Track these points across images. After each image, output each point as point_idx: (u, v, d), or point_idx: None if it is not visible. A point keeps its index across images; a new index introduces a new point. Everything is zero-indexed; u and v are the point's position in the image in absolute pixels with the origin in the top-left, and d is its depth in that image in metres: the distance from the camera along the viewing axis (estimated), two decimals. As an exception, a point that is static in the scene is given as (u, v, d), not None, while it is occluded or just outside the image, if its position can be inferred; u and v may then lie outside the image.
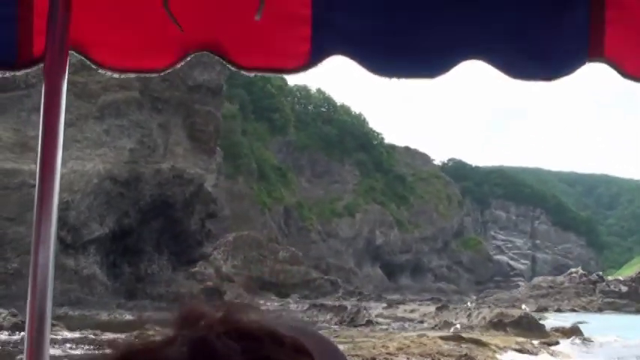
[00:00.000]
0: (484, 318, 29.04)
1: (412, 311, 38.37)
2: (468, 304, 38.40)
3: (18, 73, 1.86)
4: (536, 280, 67.03)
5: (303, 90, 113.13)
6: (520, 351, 17.40)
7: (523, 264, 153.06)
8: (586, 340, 24.97)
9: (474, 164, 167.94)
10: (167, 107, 43.54)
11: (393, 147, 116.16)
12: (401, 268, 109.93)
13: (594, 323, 36.75)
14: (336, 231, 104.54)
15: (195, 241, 45.38)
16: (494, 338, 19.10)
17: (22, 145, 39.88)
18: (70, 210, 39.50)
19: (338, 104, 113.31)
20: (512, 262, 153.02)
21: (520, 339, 20.27)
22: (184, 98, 44.16)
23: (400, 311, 40.28)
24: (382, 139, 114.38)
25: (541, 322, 30.23)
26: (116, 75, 1.96)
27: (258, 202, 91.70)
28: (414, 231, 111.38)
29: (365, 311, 30.21)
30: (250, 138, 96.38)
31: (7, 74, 1.86)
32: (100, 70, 1.91)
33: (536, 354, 18.07)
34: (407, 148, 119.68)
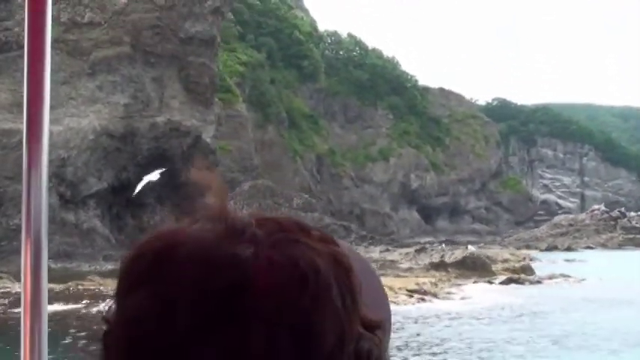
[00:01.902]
0: (456, 258, 29.11)
1: (407, 254, 38.55)
2: (443, 245, 38.22)
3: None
4: (558, 218, 65.76)
5: (334, 35, 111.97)
6: (415, 292, 17.47)
7: (572, 202, 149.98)
8: (522, 281, 24.75)
9: (519, 103, 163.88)
10: (160, 61, 43.97)
11: (427, 89, 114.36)
12: (438, 210, 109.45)
13: (588, 261, 36.18)
14: (370, 176, 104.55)
15: (197, 191, 46.19)
16: (395, 279, 19.19)
17: (19, 105, 40.95)
18: (67, 166, 40.79)
19: (369, 48, 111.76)
20: (560, 201, 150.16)
21: (423, 280, 20.28)
22: (177, 51, 44.47)
23: (396, 255, 40.51)
24: (416, 81, 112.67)
25: (525, 262, 30.02)
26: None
27: (289, 150, 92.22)
28: (451, 173, 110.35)
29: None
30: (279, 86, 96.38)
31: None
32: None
33: (435, 294, 18.12)
34: (441, 90, 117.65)
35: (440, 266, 24.69)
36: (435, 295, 18.03)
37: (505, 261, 29.42)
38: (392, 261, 31.40)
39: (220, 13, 46.13)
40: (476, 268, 24.93)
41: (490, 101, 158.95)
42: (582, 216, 59.80)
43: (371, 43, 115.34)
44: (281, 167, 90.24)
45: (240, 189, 60.09)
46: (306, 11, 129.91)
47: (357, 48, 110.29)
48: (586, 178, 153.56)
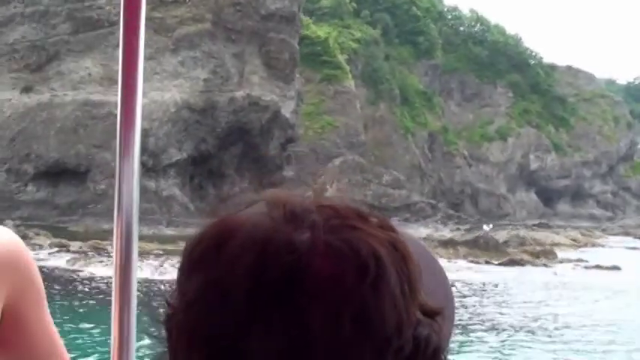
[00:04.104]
0: (497, 240, 28.49)
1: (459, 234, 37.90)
2: (484, 226, 36.94)
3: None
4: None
5: (454, 11, 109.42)
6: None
7: None
8: (523, 263, 23.70)
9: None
10: (241, 37, 45.43)
11: (553, 67, 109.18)
12: (559, 193, 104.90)
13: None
14: (486, 156, 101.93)
15: (275, 165, 47.58)
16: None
17: (109, 79, 44.08)
18: (149, 137, 43.31)
19: (492, 24, 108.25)
20: None
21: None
22: (258, 27, 45.72)
23: (458, 234, 39.87)
24: (540, 58, 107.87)
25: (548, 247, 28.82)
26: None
27: (400, 127, 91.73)
28: (574, 155, 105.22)
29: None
30: (393, 63, 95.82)
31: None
32: None
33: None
34: (569, 67, 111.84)
35: (449, 244, 24.28)
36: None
37: (554, 244, 28.38)
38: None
39: (302, -11, 46.81)
40: (488, 249, 24.25)
41: (632, 80, 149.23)
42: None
43: (495, 19, 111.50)
44: (391, 144, 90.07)
45: (332, 165, 60.92)
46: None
47: (478, 24, 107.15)
48: None
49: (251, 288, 0.59)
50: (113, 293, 1.32)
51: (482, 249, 24.31)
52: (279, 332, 0.58)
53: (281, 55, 46.43)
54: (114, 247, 1.31)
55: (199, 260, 0.63)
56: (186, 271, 0.64)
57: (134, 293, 1.32)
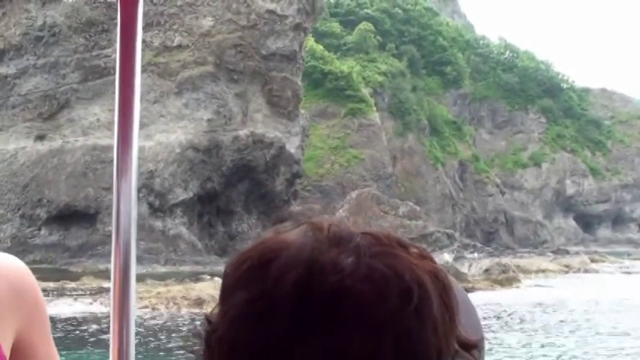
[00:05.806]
0: (480, 268, 28.46)
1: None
2: (475, 254, 36.46)
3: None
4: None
5: (482, 39, 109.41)
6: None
7: None
8: (475, 290, 23.50)
9: None
10: (243, 77, 46.57)
11: (586, 90, 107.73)
12: (599, 219, 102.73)
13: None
14: (520, 183, 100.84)
15: (282, 200, 48.20)
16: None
17: (117, 124, 45.73)
18: (155, 178, 44.62)
19: (521, 51, 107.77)
20: None
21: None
22: (259, 67, 46.81)
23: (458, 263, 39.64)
24: (572, 82, 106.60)
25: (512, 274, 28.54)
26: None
27: (429, 157, 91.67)
28: (613, 178, 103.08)
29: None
30: (421, 94, 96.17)
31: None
32: None
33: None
34: (603, 90, 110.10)
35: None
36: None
37: (539, 271, 28.10)
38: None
39: (302, 29, 47.81)
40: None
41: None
42: None
43: (525, 45, 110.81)
44: (421, 175, 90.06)
45: (349, 197, 61.23)
46: (463, 16, 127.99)
47: (507, 51, 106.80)
48: None
49: (295, 306, 0.59)
50: (111, 328, 1.31)
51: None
52: (320, 351, 0.59)
53: (283, 92, 47.34)
54: (112, 266, 1.36)
55: (244, 277, 0.64)
56: (229, 288, 0.64)
57: (132, 327, 1.32)
